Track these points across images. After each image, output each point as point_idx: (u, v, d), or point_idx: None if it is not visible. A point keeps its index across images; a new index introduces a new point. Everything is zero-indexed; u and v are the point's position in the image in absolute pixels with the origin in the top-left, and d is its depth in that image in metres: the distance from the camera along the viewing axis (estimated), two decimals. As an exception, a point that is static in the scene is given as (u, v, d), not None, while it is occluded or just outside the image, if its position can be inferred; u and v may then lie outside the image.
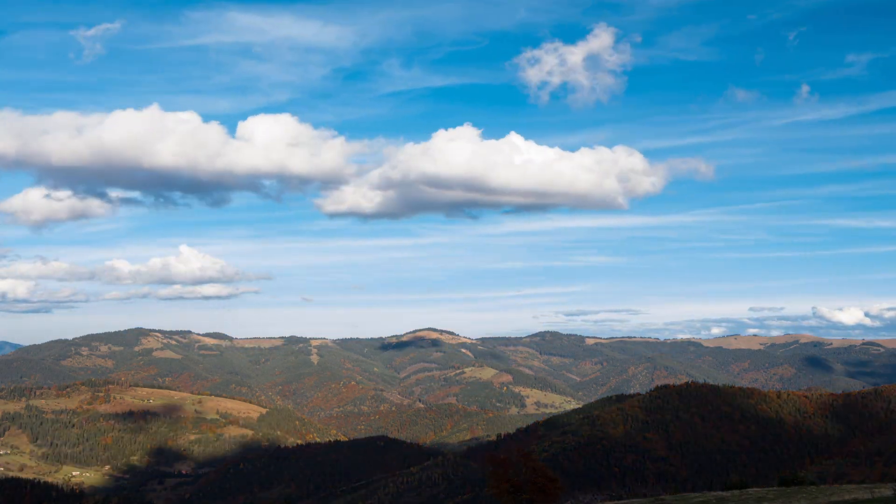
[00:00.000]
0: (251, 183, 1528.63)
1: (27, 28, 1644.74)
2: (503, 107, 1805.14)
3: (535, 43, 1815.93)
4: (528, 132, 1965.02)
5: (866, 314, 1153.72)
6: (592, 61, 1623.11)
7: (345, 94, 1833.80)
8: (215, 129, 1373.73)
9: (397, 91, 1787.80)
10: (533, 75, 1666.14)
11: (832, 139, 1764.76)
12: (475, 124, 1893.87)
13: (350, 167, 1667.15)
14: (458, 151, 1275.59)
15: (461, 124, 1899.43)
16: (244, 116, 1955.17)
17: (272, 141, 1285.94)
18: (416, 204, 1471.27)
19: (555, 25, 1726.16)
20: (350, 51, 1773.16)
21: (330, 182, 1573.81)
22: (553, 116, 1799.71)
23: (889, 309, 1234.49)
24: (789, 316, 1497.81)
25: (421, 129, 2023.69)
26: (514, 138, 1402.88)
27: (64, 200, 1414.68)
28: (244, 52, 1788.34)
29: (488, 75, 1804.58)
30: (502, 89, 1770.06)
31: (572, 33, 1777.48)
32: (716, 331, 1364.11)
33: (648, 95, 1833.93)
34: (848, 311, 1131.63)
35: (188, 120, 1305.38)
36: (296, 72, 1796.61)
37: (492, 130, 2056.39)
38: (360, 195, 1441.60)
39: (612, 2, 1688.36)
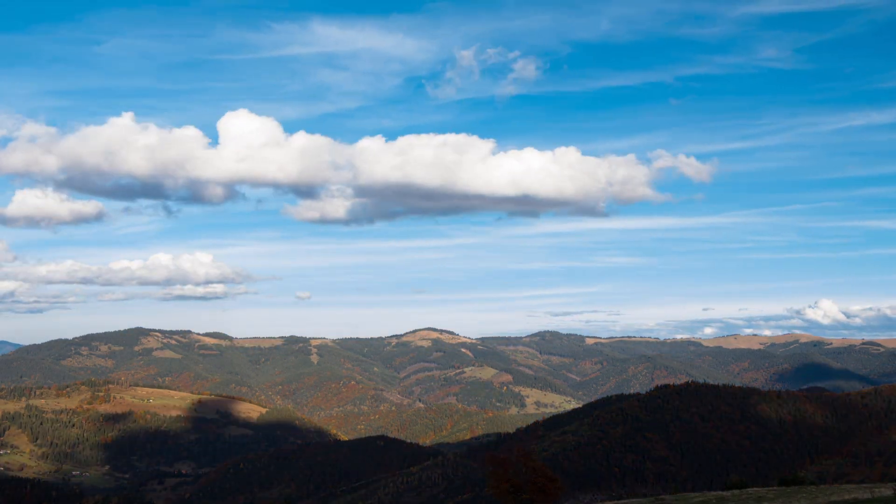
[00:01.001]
0: (257, 187, 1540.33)
1: (118, 36, 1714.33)
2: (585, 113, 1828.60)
3: (603, 57, 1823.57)
4: (567, 138, 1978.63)
5: (842, 312, 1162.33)
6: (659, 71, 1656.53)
7: (410, 102, 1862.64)
8: (197, 137, 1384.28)
9: (463, 99, 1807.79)
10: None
11: (877, 143, 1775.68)
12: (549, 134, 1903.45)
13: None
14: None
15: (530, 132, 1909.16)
16: (307, 124, 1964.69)
17: (255, 144, 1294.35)
18: (416, 207, 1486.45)
19: (643, 36, 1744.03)
20: (428, 61, 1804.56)
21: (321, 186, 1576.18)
22: (604, 122, 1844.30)
23: (867, 309, 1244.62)
24: (773, 315, 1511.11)
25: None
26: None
27: (64, 203, 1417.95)
28: (323, 62, 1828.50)
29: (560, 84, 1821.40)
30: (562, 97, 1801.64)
31: (654, 47, 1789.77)
32: (708, 331, 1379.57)
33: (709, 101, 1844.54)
34: (822, 308, 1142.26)
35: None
36: (367, 80, 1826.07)
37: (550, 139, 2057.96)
38: (351, 200, 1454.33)
39: (697, 13, 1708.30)
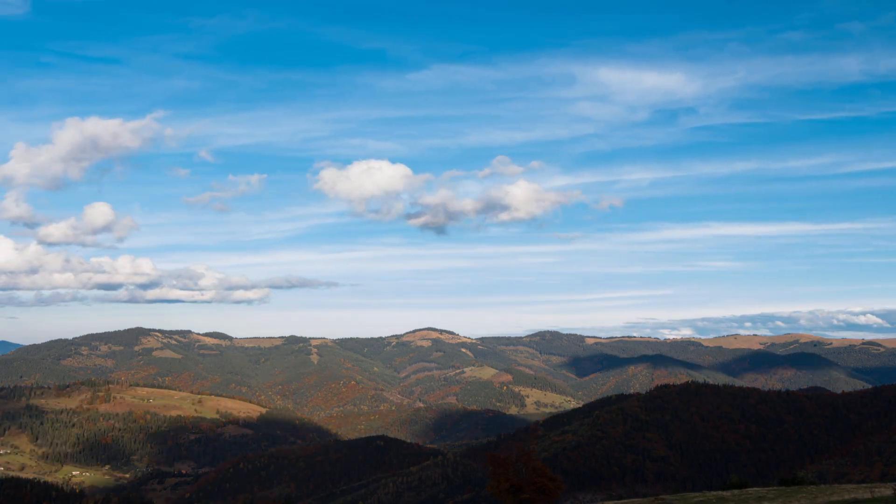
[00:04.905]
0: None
1: (369, 71, 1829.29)
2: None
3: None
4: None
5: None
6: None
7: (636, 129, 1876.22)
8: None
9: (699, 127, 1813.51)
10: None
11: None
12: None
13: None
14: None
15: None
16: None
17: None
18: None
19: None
20: (685, 98, 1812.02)
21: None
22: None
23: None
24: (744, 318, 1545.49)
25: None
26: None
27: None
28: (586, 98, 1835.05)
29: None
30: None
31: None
32: (685, 331, 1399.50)
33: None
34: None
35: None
36: (610, 110, 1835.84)
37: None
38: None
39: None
